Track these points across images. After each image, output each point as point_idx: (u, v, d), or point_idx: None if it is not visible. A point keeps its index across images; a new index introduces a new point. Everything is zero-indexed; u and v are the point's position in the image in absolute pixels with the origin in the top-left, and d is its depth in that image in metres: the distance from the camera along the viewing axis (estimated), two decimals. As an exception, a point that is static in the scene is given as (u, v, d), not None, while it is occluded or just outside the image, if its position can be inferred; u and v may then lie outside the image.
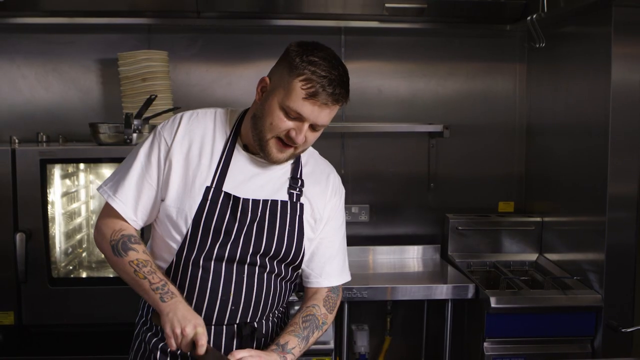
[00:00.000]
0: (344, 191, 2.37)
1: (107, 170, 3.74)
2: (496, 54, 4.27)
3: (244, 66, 4.15)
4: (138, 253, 2.12)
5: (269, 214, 2.16)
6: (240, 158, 2.18)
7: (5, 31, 3.97)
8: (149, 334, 2.25)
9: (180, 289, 2.14)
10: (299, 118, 2.03)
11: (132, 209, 2.17)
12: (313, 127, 2.07)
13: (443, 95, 4.26)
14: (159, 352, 2.21)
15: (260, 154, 2.15)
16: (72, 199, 3.72)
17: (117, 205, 2.16)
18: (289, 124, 2.04)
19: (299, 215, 2.20)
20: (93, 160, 3.49)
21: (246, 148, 2.19)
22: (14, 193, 3.26)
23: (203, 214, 2.12)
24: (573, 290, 3.50)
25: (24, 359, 3.30)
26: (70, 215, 3.69)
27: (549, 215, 4.05)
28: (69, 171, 3.66)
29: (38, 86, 4.03)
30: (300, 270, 2.32)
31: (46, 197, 3.29)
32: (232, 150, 2.18)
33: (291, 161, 2.22)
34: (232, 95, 4.13)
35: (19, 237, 3.21)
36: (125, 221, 2.18)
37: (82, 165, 3.74)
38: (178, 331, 1.96)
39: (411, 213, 4.32)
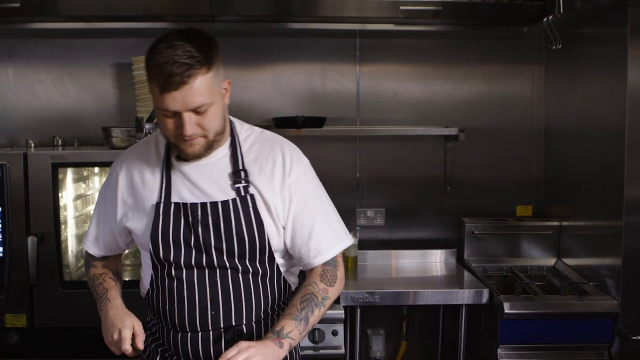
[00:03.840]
0: (303, 161, 2.27)
1: (121, 174, 3.74)
2: (513, 56, 4.22)
3: (260, 70, 4.16)
4: (96, 269, 2.30)
5: (222, 215, 2.15)
6: (178, 168, 2.19)
7: (23, 36, 4.02)
8: (150, 338, 2.32)
9: (163, 301, 2.21)
10: (173, 112, 2.01)
11: (97, 247, 2.37)
12: (197, 112, 2.02)
13: (459, 98, 4.23)
14: (158, 356, 2.28)
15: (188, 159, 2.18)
16: (85, 202, 3.74)
17: (86, 247, 2.39)
18: (171, 121, 2.04)
19: (252, 207, 2.16)
20: (104, 164, 3.49)
21: (180, 158, 2.19)
22: (26, 196, 3.29)
23: (158, 229, 2.17)
24: (590, 296, 3.45)
25: (36, 362, 3.33)
26: (83, 219, 3.71)
27: (567, 220, 3.99)
28: (83, 174, 3.68)
29: (54, 90, 4.06)
30: (285, 266, 2.30)
31: (58, 200, 3.31)
32: (170, 164, 2.21)
33: (228, 155, 2.20)
34: (247, 99, 4.13)
35: (30, 240, 3.23)
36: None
37: (96, 169, 3.76)
38: (109, 339, 2.07)
39: (427, 217, 4.29)
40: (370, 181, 4.25)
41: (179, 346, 2.21)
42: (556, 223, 4.07)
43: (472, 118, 4.21)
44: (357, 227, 4.22)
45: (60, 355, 3.36)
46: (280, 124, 3.95)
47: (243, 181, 2.17)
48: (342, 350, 3.46)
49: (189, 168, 2.18)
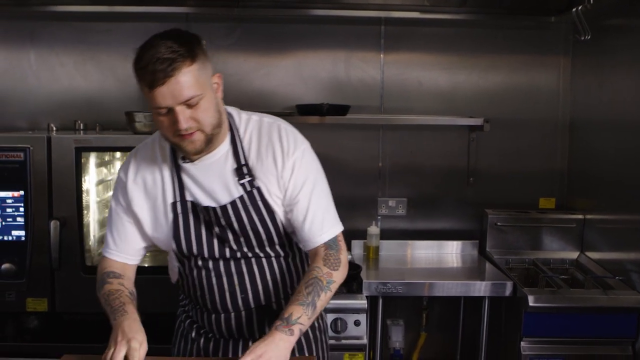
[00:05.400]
0: (300, 146, 2.24)
1: (143, 159, 3.73)
2: (539, 47, 4.17)
3: (282, 56, 4.13)
4: (112, 285, 2.24)
5: (234, 216, 2.19)
6: (186, 170, 2.22)
7: (45, 19, 3.99)
8: (184, 315, 2.47)
9: (194, 288, 2.31)
10: (166, 109, 2.01)
11: (116, 249, 2.32)
12: (189, 105, 2.01)
13: (484, 88, 4.18)
14: (193, 332, 2.40)
15: (192, 158, 2.18)
16: (107, 187, 3.73)
17: (104, 251, 2.35)
18: (166, 119, 2.03)
19: (260, 200, 2.20)
20: (127, 149, 3.45)
21: (185, 159, 2.21)
22: (49, 180, 3.28)
23: (179, 227, 2.23)
24: (614, 290, 3.41)
25: (57, 346, 3.29)
26: (105, 204, 3.68)
27: (591, 213, 3.95)
28: (105, 159, 3.66)
29: (76, 74, 4.05)
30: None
31: (81, 185, 3.30)
32: (178, 166, 2.23)
33: (230, 151, 2.21)
34: (269, 86, 4.10)
35: (53, 224, 3.22)
36: (116, 262, 2.33)
37: (118, 154, 3.74)
38: (112, 349, 1.97)
39: (449, 208, 4.26)
40: (393, 170, 4.21)
41: (214, 325, 2.32)
42: (580, 216, 4.03)
43: (497, 109, 4.16)
44: (379, 217, 4.20)
45: (81, 340, 3.35)
46: (304, 112, 3.92)
47: (247, 176, 2.19)
48: (364, 341, 3.44)
49: (195, 169, 2.20)
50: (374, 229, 4.05)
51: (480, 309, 3.64)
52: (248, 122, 2.26)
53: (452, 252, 4.20)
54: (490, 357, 3.67)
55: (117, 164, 3.82)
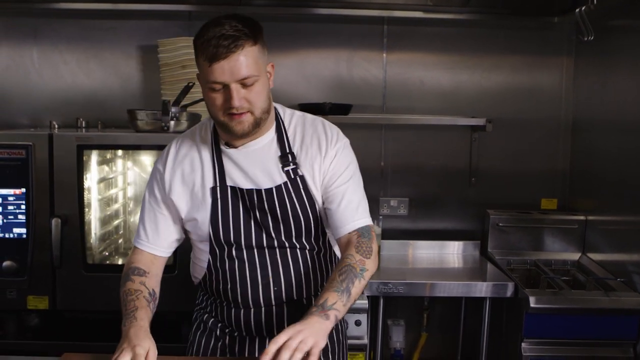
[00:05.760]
0: (342, 139, 2.32)
1: (145, 157, 3.73)
2: (542, 47, 4.16)
3: (285, 55, 4.12)
4: (133, 283, 2.23)
5: (277, 200, 2.22)
6: (228, 155, 2.25)
7: (48, 16, 3.99)
8: (205, 316, 2.44)
9: (224, 282, 2.29)
10: (221, 86, 2.07)
11: (147, 240, 2.32)
12: (244, 85, 2.07)
13: (487, 89, 4.18)
14: (218, 330, 2.38)
15: (236, 144, 2.22)
16: (109, 185, 3.72)
17: (135, 242, 2.35)
18: (219, 96, 2.09)
19: (303, 188, 2.24)
20: (129, 147, 3.48)
21: (228, 145, 2.25)
22: (51, 178, 3.26)
23: (218, 212, 2.24)
24: (616, 292, 3.40)
25: (58, 344, 3.29)
26: (107, 202, 3.68)
27: (593, 214, 3.94)
28: (107, 157, 3.65)
29: (79, 72, 4.05)
30: (334, 241, 2.36)
31: (82, 182, 3.29)
32: (220, 151, 2.26)
33: (274, 139, 2.25)
34: (273, 84, 4.08)
35: (54, 222, 3.21)
36: (146, 253, 2.32)
37: (120, 152, 3.73)
38: (116, 354, 1.95)
39: (451, 208, 4.25)
40: (395, 170, 4.21)
41: (241, 321, 2.31)
42: (582, 217, 4.02)
43: (499, 109, 4.15)
44: (380, 217, 4.20)
45: (81, 338, 3.35)
46: (306, 111, 3.84)
47: (292, 164, 2.24)
48: (365, 341, 3.43)
49: (239, 154, 2.23)
50: (375, 229, 4.02)
51: (481, 309, 3.64)
52: (292, 116, 2.34)
53: (453, 252, 4.20)
54: (491, 358, 3.67)
55: (119, 162, 3.82)
